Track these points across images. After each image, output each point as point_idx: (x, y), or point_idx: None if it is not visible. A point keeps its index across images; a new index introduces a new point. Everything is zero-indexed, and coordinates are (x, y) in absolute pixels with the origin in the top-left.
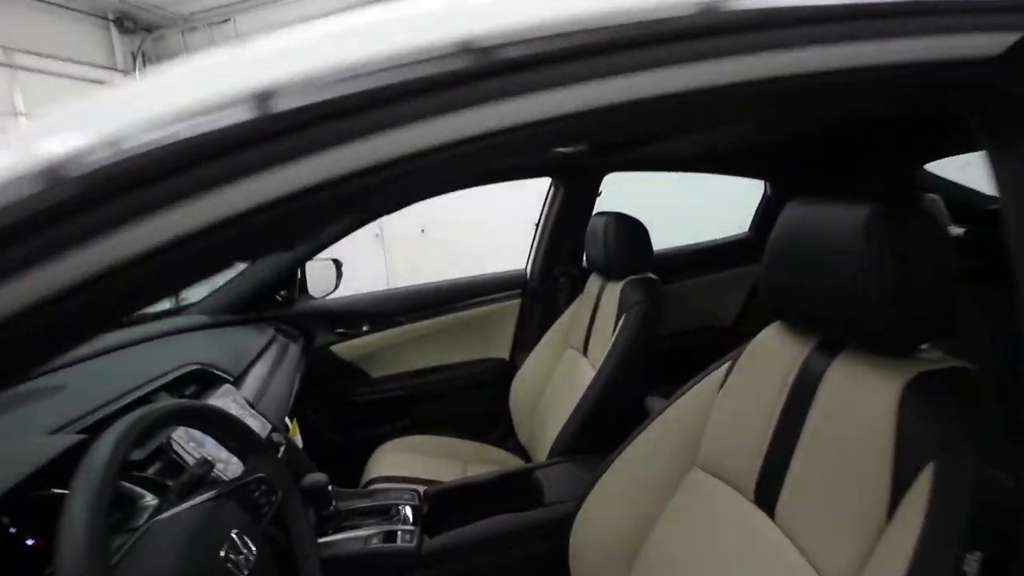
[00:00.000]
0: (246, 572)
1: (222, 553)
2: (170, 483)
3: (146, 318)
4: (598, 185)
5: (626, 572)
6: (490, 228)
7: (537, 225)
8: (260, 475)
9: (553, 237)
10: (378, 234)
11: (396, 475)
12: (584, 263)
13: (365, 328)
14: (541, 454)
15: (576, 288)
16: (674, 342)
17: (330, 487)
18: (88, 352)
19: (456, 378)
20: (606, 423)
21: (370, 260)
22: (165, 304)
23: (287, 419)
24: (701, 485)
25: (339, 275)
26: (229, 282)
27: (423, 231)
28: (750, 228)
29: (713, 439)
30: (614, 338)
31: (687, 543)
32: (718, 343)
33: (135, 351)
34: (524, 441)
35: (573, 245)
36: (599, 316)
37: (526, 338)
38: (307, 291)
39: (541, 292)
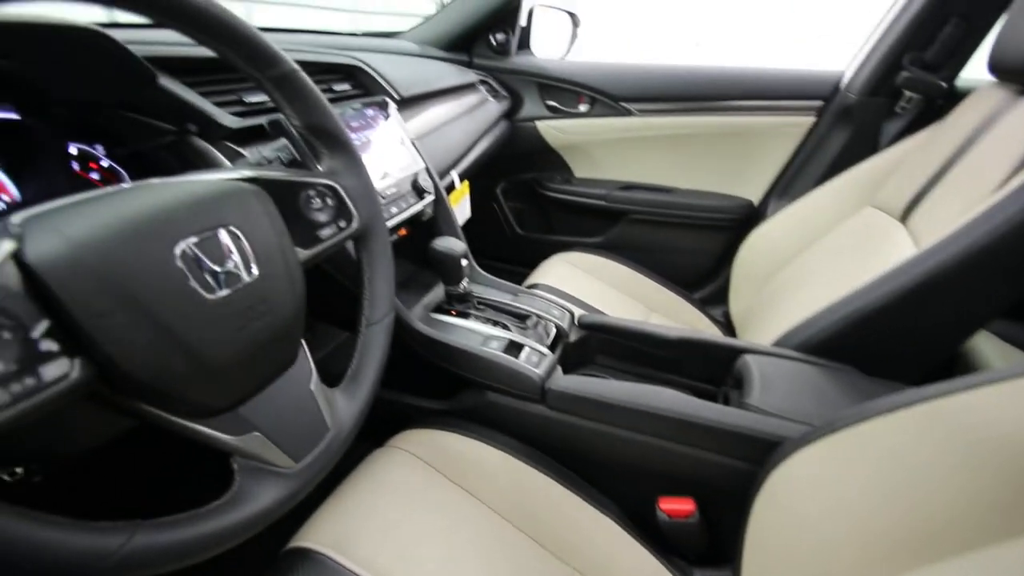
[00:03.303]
0: (215, 288)
1: (179, 250)
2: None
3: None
4: None
5: None
6: (774, 48)
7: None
8: (327, 183)
9: (927, 17)
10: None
11: (561, 289)
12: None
13: (583, 108)
14: (757, 339)
15: (927, 114)
16: None
17: (464, 261)
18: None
19: (676, 207)
20: (902, 339)
21: None
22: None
23: (454, 175)
24: None
25: (574, 35)
26: (443, 10)
27: (697, 44)
28: None
29: None
30: (999, 199)
31: None
32: None
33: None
34: (737, 316)
35: (961, 33)
36: (971, 160)
37: (799, 177)
38: (528, 46)
39: (859, 110)
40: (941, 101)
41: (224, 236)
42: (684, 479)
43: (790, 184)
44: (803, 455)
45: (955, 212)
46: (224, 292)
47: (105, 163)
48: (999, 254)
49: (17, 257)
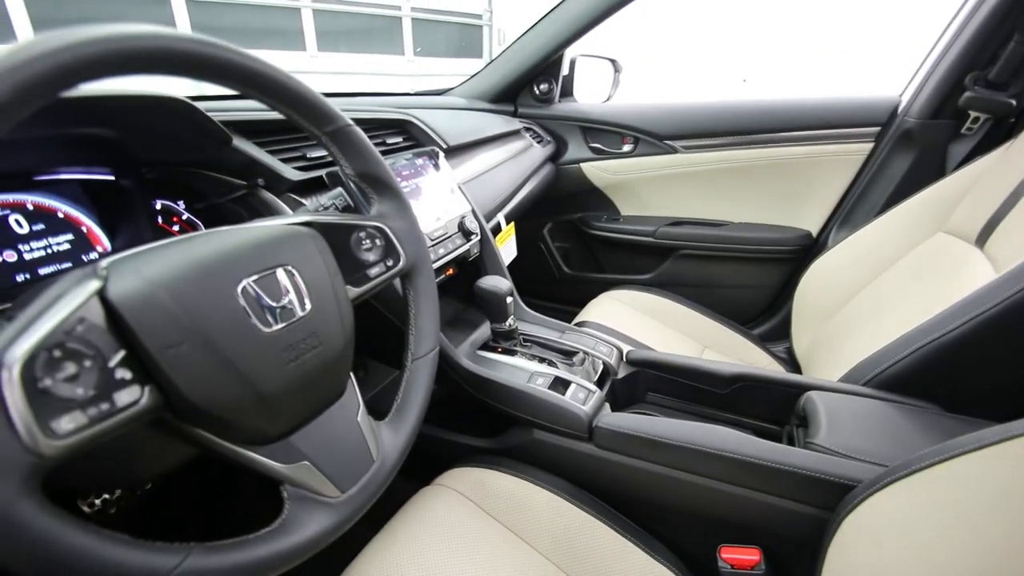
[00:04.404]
0: (271, 323)
1: (241, 287)
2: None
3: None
4: None
5: None
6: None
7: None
8: (376, 224)
9: (988, 35)
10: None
11: (609, 326)
12: None
13: (627, 148)
14: (823, 376)
15: (996, 134)
16: None
17: (509, 298)
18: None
19: (729, 240)
20: (988, 371)
21: None
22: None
23: (500, 217)
24: None
25: (616, 82)
26: (489, 65)
27: (744, 80)
28: None
29: None
30: None
31: None
32: None
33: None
34: (801, 352)
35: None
36: None
37: (860, 205)
38: (571, 93)
39: (921, 134)
40: (1012, 120)
41: (281, 275)
42: (747, 526)
43: (851, 213)
44: (879, 499)
45: None
46: (279, 326)
47: (185, 216)
48: None
49: (101, 294)
